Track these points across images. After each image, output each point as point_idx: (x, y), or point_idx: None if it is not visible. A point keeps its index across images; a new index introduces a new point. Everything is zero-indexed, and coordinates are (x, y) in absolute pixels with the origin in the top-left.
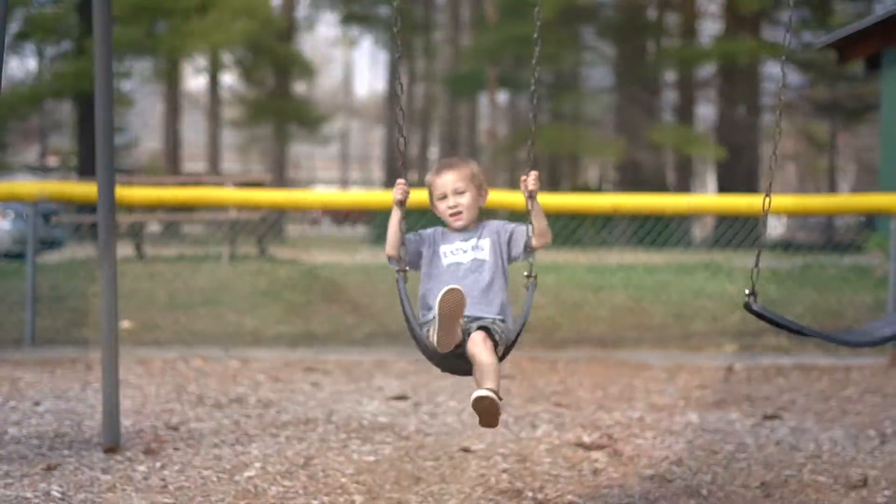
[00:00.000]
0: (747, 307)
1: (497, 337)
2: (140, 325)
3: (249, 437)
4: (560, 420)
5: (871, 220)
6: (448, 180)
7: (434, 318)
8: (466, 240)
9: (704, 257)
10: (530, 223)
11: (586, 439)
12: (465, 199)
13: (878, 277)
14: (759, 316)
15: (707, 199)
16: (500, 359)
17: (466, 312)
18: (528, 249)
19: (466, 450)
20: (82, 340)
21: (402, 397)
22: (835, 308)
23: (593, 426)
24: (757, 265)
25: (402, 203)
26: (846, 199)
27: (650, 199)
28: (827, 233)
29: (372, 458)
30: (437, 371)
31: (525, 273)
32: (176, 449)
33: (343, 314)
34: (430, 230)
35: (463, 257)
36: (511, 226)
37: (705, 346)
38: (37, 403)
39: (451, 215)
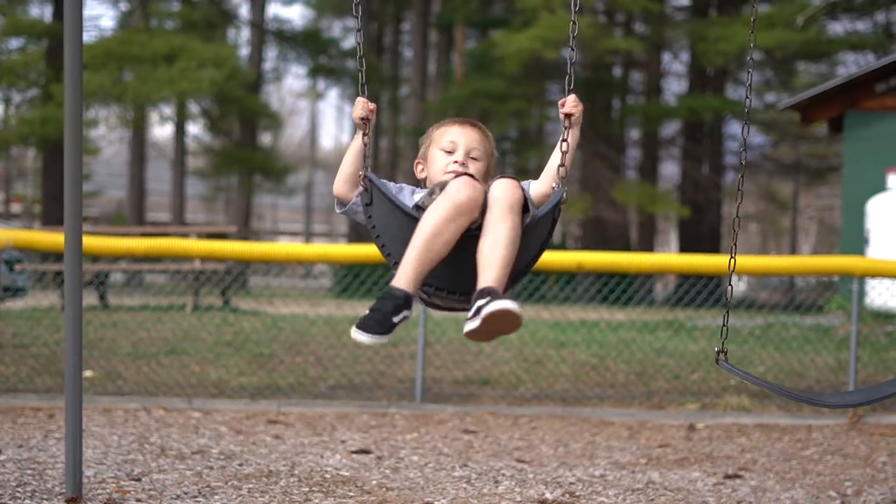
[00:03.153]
0: (718, 363)
1: (530, 204)
2: (103, 374)
3: (212, 490)
4: (522, 476)
5: (833, 281)
6: (468, 139)
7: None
8: None
9: (667, 315)
10: (563, 145)
11: (549, 496)
12: (477, 167)
13: (839, 338)
14: (730, 371)
15: (670, 257)
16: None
17: None
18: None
19: None
20: (45, 389)
21: (364, 451)
22: (797, 368)
23: (555, 483)
24: (725, 324)
25: (365, 121)
26: (808, 261)
27: (614, 257)
28: (789, 293)
29: None
30: (400, 425)
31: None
32: (138, 500)
33: (306, 366)
34: (398, 184)
35: None
36: (525, 185)
37: (667, 405)
38: None
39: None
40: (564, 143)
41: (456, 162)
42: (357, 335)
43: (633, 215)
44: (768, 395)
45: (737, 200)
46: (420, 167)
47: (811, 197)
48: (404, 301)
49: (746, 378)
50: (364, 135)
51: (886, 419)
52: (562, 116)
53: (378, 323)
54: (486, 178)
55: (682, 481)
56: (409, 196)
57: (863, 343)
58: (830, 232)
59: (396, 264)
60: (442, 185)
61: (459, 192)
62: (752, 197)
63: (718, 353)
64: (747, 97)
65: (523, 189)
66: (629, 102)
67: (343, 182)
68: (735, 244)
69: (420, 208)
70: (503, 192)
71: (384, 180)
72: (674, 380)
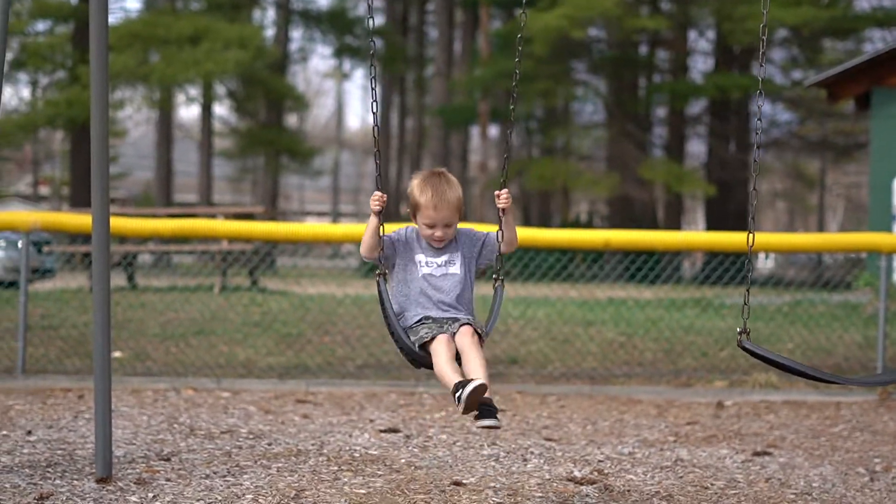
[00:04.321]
0: (740, 345)
1: (480, 331)
2: (131, 354)
3: (241, 469)
4: (551, 454)
5: (861, 258)
6: (441, 217)
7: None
8: (440, 253)
9: (694, 293)
10: (501, 231)
11: (577, 474)
12: (451, 231)
13: (867, 315)
14: (752, 353)
15: (697, 235)
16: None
17: (444, 315)
18: (498, 255)
19: (458, 483)
20: (74, 370)
21: (393, 430)
22: (824, 345)
23: (584, 461)
24: (746, 303)
25: (379, 213)
26: (835, 237)
27: (641, 235)
28: (816, 270)
29: (363, 491)
30: (428, 404)
31: (494, 276)
32: (168, 479)
33: (334, 346)
34: (404, 232)
35: (436, 270)
36: (481, 236)
37: (695, 382)
38: (29, 432)
39: (435, 242)
40: (501, 233)
41: (436, 237)
42: (481, 424)
43: (660, 193)
44: None
45: (753, 173)
46: (412, 217)
47: (838, 174)
48: (464, 382)
49: (771, 358)
50: (378, 224)
51: None
52: (499, 208)
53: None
54: (461, 213)
55: (711, 458)
56: (415, 243)
57: (891, 320)
58: (858, 209)
59: (393, 334)
60: (421, 339)
61: (441, 346)
62: (778, 174)
63: (740, 333)
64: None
65: (477, 330)
66: (655, 81)
67: (366, 251)
68: (753, 218)
69: (411, 338)
70: (466, 339)
71: (398, 234)
72: (702, 357)
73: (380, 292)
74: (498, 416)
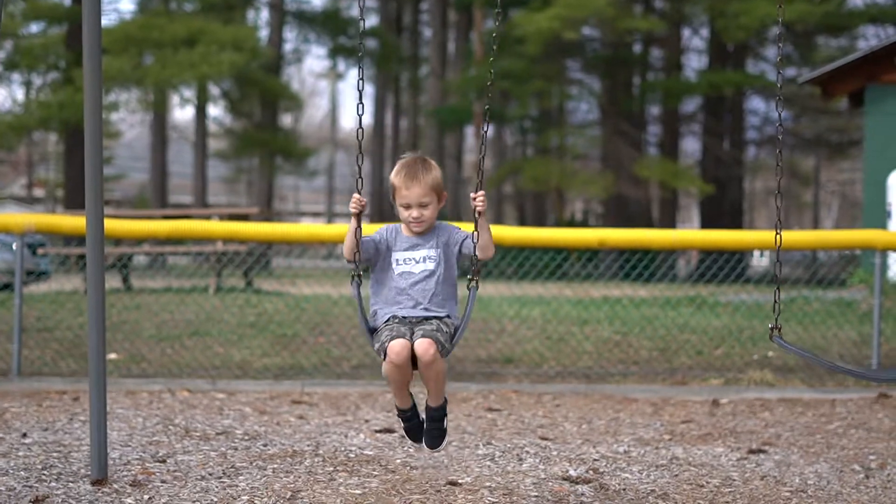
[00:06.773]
0: (772, 339)
1: (441, 345)
2: (127, 356)
3: (236, 470)
4: (546, 453)
5: (855, 255)
6: (415, 194)
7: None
8: (418, 248)
9: (689, 291)
10: (476, 233)
11: (572, 473)
12: (428, 212)
13: (862, 312)
14: (786, 349)
15: (692, 233)
16: (445, 355)
17: (415, 313)
18: (474, 259)
19: (453, 483)
20: (69, 372)
21: (388, 430)
22: (819, 343)
23: (579, 460)
24: (777, 300)
25: (357, 215)
26: (830, 235)
27: (636, 234)
28: (811, 267)
29: (359, 492)
30: (423, 404)
31: (469, 277)
32: (163, 482)
33: (330, 346)
34: (384, 230)
35: (414, 267)
36: (462, 234)
37: (690, 380)
38: (24, 435)
39: (413, 223)
40: (477, 234)
41: (413, 218)
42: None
43: (655, 192)
44: (792, 368)
45: (776, 176)
46: (393, 205)
47: (833, 171)
48: (413, 409)
49: (801, 355)
50: (357, 226)
51: None
52: (474, 210)
53: (415, 434)
54: (440, 201)
55: (706, 457)
56: (394, 241)
57: (886, 317)
58: (852, 206)
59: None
60: (382, 347)
61: (395, 358)
62: (773, 171)
63: (772, 329)
64: (779, 72)
65: (439, 342)
66: (649, 79)
67: (347, 252)
68: (780, 220)
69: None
70: (423, 354)
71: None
72: (697, 356)
73: (354, 296)
74: (444, 439)
